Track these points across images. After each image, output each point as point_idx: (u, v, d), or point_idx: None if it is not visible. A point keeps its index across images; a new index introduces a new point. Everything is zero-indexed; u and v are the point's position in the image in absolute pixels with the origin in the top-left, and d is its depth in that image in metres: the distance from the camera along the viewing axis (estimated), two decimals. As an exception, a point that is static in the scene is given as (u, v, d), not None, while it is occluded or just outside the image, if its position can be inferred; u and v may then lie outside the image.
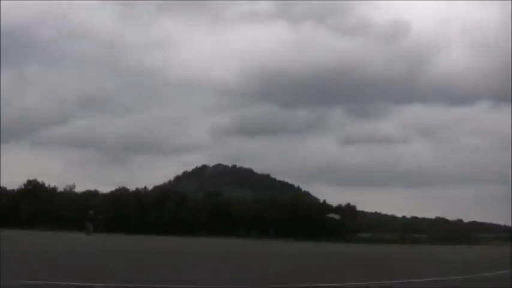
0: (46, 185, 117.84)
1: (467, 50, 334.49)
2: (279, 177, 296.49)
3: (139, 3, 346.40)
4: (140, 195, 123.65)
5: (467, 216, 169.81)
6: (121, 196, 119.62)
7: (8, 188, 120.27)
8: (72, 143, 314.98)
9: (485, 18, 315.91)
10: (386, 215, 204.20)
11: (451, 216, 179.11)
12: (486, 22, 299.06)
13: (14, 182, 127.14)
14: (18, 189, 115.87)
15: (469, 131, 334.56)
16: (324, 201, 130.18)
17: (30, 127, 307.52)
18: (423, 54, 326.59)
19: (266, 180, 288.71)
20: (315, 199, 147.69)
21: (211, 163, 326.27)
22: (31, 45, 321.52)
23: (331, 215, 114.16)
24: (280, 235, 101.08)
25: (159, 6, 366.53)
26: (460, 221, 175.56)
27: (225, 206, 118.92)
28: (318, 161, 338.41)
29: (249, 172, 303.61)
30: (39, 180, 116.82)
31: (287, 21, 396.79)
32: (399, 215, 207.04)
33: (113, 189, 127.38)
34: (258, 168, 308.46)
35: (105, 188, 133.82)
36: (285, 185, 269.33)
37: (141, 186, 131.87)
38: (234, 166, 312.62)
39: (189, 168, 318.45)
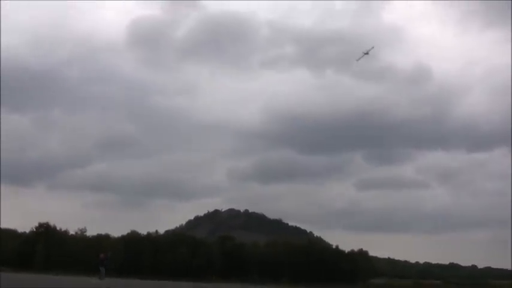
0: (58, 228, 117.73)
1: (487, 94, 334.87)
2: (291, 223, 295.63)
3: (164, 49, 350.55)
4: (152, 239, 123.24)
5: (482, 261, 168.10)
6: (132, 240, 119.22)
7: (20, 231, 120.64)
8: (89, 186, 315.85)
9: (506, 63, 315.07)
10: (399, 261, 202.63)
11: (464, 262, 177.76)
12: (506, 66, 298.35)
13: (27, 225, 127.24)
14: (29, 232, 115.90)
15: (486, 176, 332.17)
16: (337, 246, 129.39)
17: (50, 170, 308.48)
18: (444, 99, 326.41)
19: (278, 225, 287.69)
20: (328, 244, 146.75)
21: (225, 207, 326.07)
22: (53, 89, 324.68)
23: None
24: (294, 280, 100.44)
25: (183, 53, 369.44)
26: (474, 266, 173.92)
27: (238, 250, 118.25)
28: (333, 206, 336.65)
29: (261, 217, 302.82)
30: (51, 223, 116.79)
31: (310, 67, 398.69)
32: (412, 260, 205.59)
33: (125, 233, 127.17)
34: (271, 213, 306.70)
35: (117, 232, 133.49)
36: (297, 230, 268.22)
37: (152, 230, 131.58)
38: (247, 211, 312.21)
39: (202, 213, 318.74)
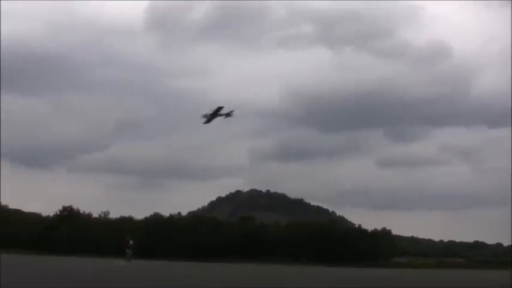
0: (81, 211, 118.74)
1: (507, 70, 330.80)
2: (313, 202, 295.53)
3: (177, 31, 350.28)
4: (174, 221, 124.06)
5: (508, 239, 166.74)
6: (155, 222, 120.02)
7: (44, 214, 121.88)
8: (109, 169, 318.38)
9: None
10: (423, 239, 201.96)
11: (489, 240, 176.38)
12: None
13: (50, 208, 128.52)
14: (53, 216, 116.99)
15: (507, 152, 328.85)
16: (359, 225, 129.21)
17: (68, 153, 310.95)
18: (463, 76, 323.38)
19: (300, 205, 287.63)
20: (350, 224, 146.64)
21: (246, 188, 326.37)
22: (70, 72, 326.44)
23: None
24: (315, 260, 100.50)
25: (200, 34, 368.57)
26: (499, 244, 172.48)
27: (259, 230, 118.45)
28: (354, 185, 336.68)
29: (283, 197, 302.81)
30: (74, 206, 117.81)
31: (327, 45, 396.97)
32: (436, 239, 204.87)
33: (147, 215, 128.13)
34: (292, 192, 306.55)
35: (140, 214, 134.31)
36: (319, 210, 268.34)
37: (175, 212, 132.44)
38: (268, 191, 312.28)
39: (223, 194, 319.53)
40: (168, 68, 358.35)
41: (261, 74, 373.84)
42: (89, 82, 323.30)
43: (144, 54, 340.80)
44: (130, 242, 68.62)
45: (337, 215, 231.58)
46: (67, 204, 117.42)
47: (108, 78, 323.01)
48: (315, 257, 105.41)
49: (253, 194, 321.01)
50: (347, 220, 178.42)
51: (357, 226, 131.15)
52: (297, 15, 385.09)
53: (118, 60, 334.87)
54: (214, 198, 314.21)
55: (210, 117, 60.82)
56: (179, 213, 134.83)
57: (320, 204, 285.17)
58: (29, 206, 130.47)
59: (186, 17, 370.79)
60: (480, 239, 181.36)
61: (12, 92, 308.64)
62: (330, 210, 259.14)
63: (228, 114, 65.12)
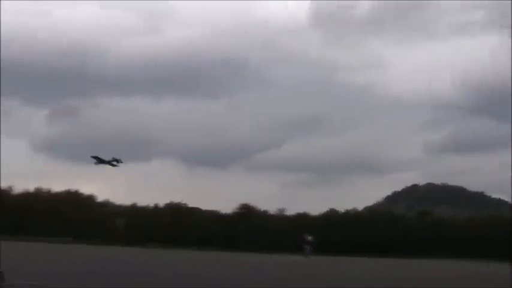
0: (258, 208, 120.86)
1: None
2: (494, 195, 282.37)
3: (344, 26, 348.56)
4: (351, 216, 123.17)
5: None
6: (331, 218, 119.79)
7: (222, 212, 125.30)
8: (285, 167, 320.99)
9: None
10: None
11: None
12: None
13: (227, 206, 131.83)
14: (232, 213, 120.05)
15: None
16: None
17: (244, 152, 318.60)
18: None
19: (480, 198, 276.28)
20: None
21: (423, 182, 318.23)
22: (246, 73, 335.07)
23: None
24: (499, 256, 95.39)
25: (363, 28, 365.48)
26: None
27: (437, 225, 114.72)
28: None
29: (461, 190, 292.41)
30: (251, 204, 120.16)
31: (501, 31, 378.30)
32: None
33: (323, 211, 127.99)
34: (471, 185, 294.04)
35: (315, 210, 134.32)
36: (500, 203, 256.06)
37: (350, 207, 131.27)
38: (445, 184, 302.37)
39: (399, 188, 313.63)
40: (336, 63, 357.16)
41: (433, 63, 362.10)
42: (263, 81, 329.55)
43: (314, 50, 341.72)
44: (309, 237, 68.49)
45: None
46: (244, 202, 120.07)
47: (280, 76, 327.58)
48: (500, 253, 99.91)
49: (430, 188, 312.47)
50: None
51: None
52: (468, 1, 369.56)
53: (289, 58, 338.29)
54: (390, 193, 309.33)
55: (99, 162, 58.83)
56: (355, 208, 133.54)
57: (502, 197, 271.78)
58: (206, 204, 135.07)
59: (351, 12, 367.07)
60: None
61: (189, 96, 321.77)
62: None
63: (114, 164, 61.73)
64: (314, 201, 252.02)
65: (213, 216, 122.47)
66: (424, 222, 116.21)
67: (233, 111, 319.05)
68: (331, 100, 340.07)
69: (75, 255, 40.89)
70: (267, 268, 35.18)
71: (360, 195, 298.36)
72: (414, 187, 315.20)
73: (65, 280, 16.78)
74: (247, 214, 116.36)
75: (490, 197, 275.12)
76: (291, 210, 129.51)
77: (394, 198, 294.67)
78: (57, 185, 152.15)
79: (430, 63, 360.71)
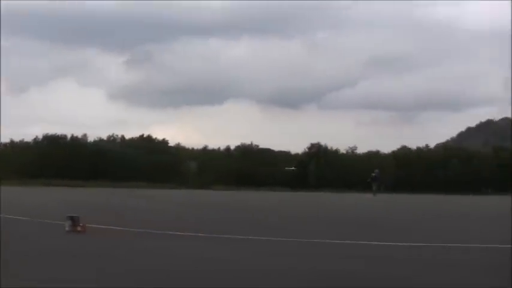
0: (329, 147, 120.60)
1: None
2: None
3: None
4: (422, 153, 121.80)
5: None
6: (403, 156, 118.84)
7: (293, 152, 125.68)
8: (359, 105, 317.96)
9: None
10: None
11: None
12: None
13: (300, 147, 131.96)
14: (302, 153, 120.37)
15: None
16: None
17: (319, 91, 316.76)
18: None
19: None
20: None
21: (498, 116, 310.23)
22: (318, 11, 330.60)
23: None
24: None
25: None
26: None
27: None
28: None
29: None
30: (322, 143, 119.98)
31: None
32: None
33: (395, 149, 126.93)
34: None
35: (387, 148, 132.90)
36: None
37: (423, 144, 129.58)
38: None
39: (473, 124, 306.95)
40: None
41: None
42: (340, 20, 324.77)
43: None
44: (375, 174, 68.14)
45: None
46: (315, 141, 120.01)
47: (354, 15, 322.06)
48: None
49: (506, 123, 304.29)
50: None
51: None
52: None
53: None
54: (463, 129, 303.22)
55: None
56: (427, 145, 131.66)
57: None
58: (278, 145, 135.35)
59: None
60: None
61: (263, 37, 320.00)
62: None
63: None
64: (387, 139, 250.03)
65: (284, 157, 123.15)
66: (498, 158, 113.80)
67: (308, 50, 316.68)
68: (409, 37, 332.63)
69: (161, 199, 41.56)
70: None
71: (434, 132, 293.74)
72: (489, 122, 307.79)
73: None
74: (317, 153, 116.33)
75: None
76: (363, 149, 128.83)
77: (468, 134, 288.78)
78: (131, 132, 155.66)
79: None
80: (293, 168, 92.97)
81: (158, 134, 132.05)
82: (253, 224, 18.50)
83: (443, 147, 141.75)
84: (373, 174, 68.15)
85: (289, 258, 9.67)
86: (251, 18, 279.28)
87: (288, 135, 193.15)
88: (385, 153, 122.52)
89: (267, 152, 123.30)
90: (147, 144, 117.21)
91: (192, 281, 7.47)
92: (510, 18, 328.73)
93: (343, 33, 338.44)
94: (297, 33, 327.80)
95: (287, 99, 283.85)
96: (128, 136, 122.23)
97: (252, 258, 10.07)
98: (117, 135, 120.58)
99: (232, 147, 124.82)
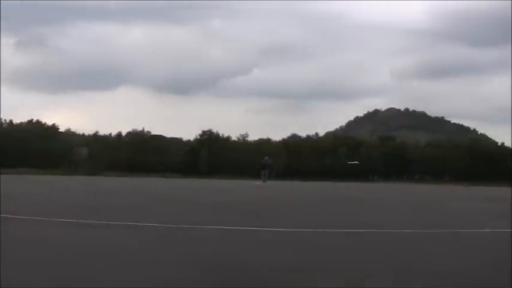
0: (220, 135, 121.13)
1: None
2: (454, 120, 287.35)
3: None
4: (312, 141, 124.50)
5: None
6: (293, 143, 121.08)
7: (184, 139, 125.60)
8: (251, 93, 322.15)
9: None
10: None
11: None
12: None
13: (192, 133, 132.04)
14: (193, 140, 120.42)
15: None
16: (503, 143, 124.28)
17: (212, 79, 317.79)
18: None
19: (440, 123, 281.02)
20: (493, 142, 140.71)
21: (385, 107, 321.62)
22: (215, 2, 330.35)
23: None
24: (456, 178, 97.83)
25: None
26: None
27: (399, 149, 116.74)
28: (499, 102, 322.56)
29: (422, 115, 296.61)
30: (214, 130, 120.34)
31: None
32: None
33: (285, 136, 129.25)
34: (432, 111, 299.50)
35: (278, 136, 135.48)
36: (460, 128, 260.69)
37: (313, 132, 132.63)
38: (407, 109, 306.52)
39: (361, 113, 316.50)
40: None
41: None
42: (234, 9, 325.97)
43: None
44: (264, 161, 68.90)
45: (479, 132, 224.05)
46: (207, 128, 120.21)
47: (249, 4, 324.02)
48: (458, 175, 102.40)
49: (392, 113, 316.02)
50: (489, 138, 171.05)
51: (499, 144, 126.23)
52: None
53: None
54: (352, 118, 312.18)
55: None
56: (316, 133, 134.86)
57: (461, 122, 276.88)
58: (170, 132, 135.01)
59: None
60: None
61: (159, 24, 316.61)
62: (472, 128, 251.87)
63: None
64: (277, 127, 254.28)
65: (176, 143, 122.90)
66: (386, 147, 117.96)
67: (203, 38, 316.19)
68: (303, 28, 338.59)
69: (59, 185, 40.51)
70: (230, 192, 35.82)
71: (324, 121, 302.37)
72: (376, 112, 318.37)
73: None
74: (209, 140, 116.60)
75: (449, 121, 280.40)
76: (254, 136, 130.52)
77: (355, 124, 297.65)
78: (19, 117, 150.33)
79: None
80: (356, 162, 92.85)
81: (48, 119, 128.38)
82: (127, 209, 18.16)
83: (332, 136, 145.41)
84: (263, 162, 68.88)
85: (162, 244, 9.70)
86: (147, 4, 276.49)
87: (180, 121, 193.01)
88: (276, 141, 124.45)
89: (159, 138, 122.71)
90: (36, 130, 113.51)
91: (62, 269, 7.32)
92: (406, 14, 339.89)
93: (238, 22, 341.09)
94: (192, 21, 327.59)
95: (180, 86, 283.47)
96: (16, 121, 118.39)
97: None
98: (5, 120, 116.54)
99: (123, 134, 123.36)
